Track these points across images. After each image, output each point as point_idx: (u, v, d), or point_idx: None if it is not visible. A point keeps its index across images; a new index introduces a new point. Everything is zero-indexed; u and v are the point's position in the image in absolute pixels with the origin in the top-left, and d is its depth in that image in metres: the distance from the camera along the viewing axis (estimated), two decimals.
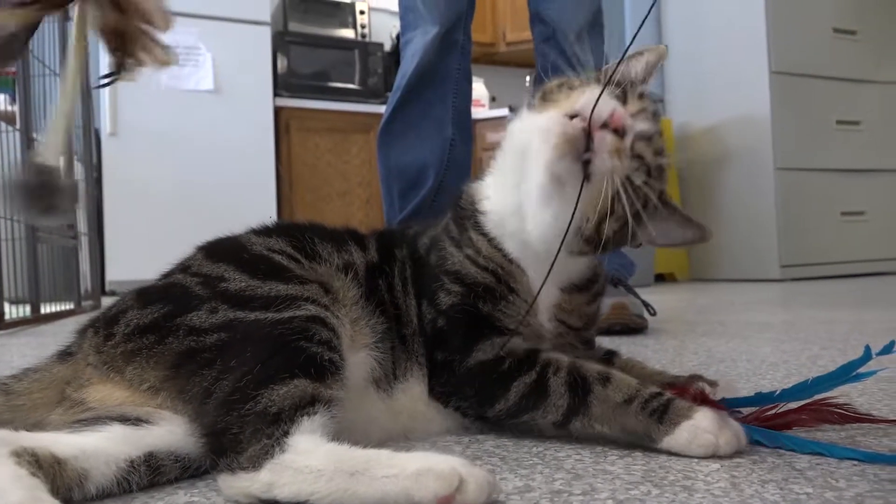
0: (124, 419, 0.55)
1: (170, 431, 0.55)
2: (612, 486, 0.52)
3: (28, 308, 2.12)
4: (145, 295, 0.64)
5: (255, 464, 0.49)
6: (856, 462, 0.56)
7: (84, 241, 2.70)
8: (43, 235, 2.25)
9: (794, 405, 0.66)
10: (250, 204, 3.81)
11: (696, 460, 0.58)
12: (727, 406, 0.67)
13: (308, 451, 0.49)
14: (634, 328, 1.48)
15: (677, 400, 0.59)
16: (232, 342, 0.56)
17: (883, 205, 3.67)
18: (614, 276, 1.57)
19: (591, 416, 0.60)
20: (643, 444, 0.60)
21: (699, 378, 0.72)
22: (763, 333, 1.44)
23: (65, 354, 0.64)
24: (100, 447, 0.52)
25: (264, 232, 0.70)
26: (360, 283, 0.68)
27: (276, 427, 0.50)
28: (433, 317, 0.68)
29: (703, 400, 0.65)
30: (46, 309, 2.20)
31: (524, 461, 0.59)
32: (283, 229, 0.71)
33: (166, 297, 0.62)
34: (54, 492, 0.47)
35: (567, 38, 1.58)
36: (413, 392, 0.67)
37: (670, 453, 0.58)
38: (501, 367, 0.64)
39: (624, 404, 0.59)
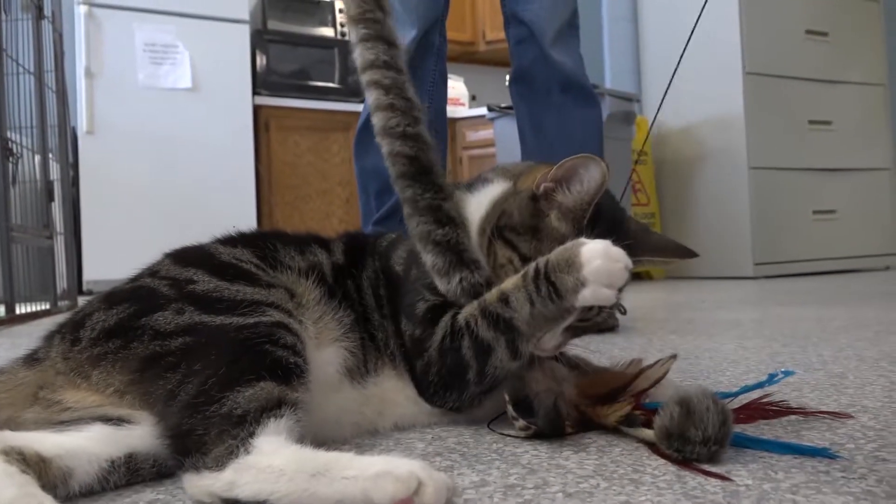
0: (106, 419, 0.56)
1: (150, 433, 0.56)
2: (563, 479, 0.55)
3: (3, 309, 2.11)
4: (111, 297, 0.65)
5: (220, 464, 0.50)
6: (795, 454, 0.59)
7: (60, 241, 2.69)
8: (18, 235, 2.24)
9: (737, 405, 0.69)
10: (229, 203, 3.81)
11: (646, 454, 0.60)
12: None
13: (271, 452, 0.50)
14: (605, 328, 1.51)
15: (552, 262, 0.63)
16: (196, 346, 0.57)
17: (853, 204, 3.75)
18: None
19: (524, 337, 0.64)
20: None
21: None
22: (730, 331, 1.48)
23: (32, 359, 0.64)
24: (83, 447, 0.53)
25: (230, 241, 0.72)
26: (326, 281, 0.70)
27: (242, 428, 0.51)
28: (411, 330, 0.70)
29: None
30: (22, 309, 2.19)
31: (483, 457, 0.62)
32: (247, 239, 0.73)
33: (132, 298, 0.64)
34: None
35: (545, 39, 1.59)
36: (385, 385, 0.70)
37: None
38: (436, 335, 0.68)
39: (528, 304, 0.63)
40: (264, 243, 0.71)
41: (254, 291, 0.63)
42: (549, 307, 0.62)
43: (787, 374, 0.58)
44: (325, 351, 0.66)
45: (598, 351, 1.20)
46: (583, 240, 0.63)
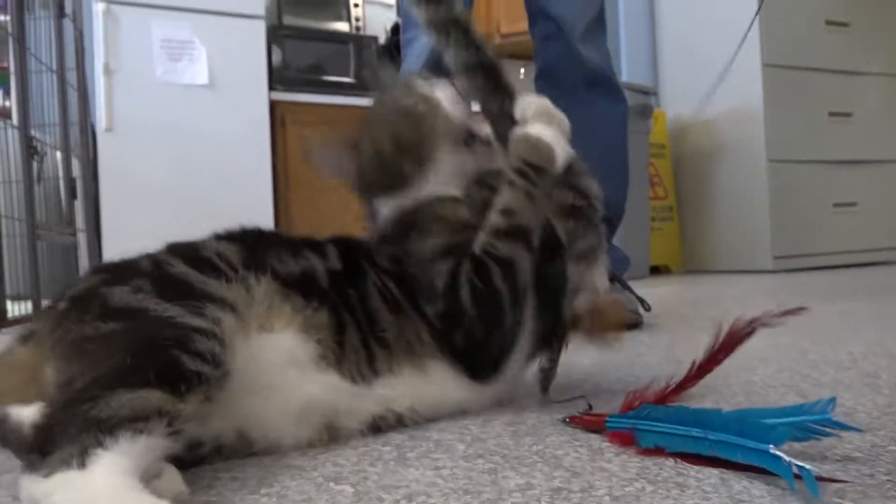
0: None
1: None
2: (608, 483, 0.55)
3: (29, 305, 2.13)
4: (99, 267, 0.68)
5: (50, 470, 0.47)
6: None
7: (82, 237, 2.72)
8: (43, 233, 2.26)
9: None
10: (247, 198, 3.83)
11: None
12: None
13: (100, 475, 0.47)
14: (630, 324, 1.51)
15: (519, 139, 0.76)
16: (122, 334, 0.56)
17: (874, 195, 3.71)
18: (609, 272, 1.60)
19: (532, 230, 0.74)
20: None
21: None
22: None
23: (25, 336, 0.65)
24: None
25: (222, 237, 0.73)
26: (318, 285, 0.71)
27: (94, 436, 0.48)
28: (437, 308, 0.73)
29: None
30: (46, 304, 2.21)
31: (525, 459, 0.62)
32: (240, 237, 0.74)
33: (112, 270, 0.66)
34: None
35: (574, 34, 1.57)
36: (403, 382, 0.71)
37: None
38: (479, 280, 0.72)
39: (526, 198, 0.73)
40: (254, 243, 0.72)
41: (218, 286, 0.63)
42: (543, 185, 0.73)
43: (832, 402, 0.58)
44: (286, 334, 0.66)
45: (622, 349, 1.21)
46: (524, 129, 0.75)
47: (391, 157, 0.79)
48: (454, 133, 0.80)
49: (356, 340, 0.70)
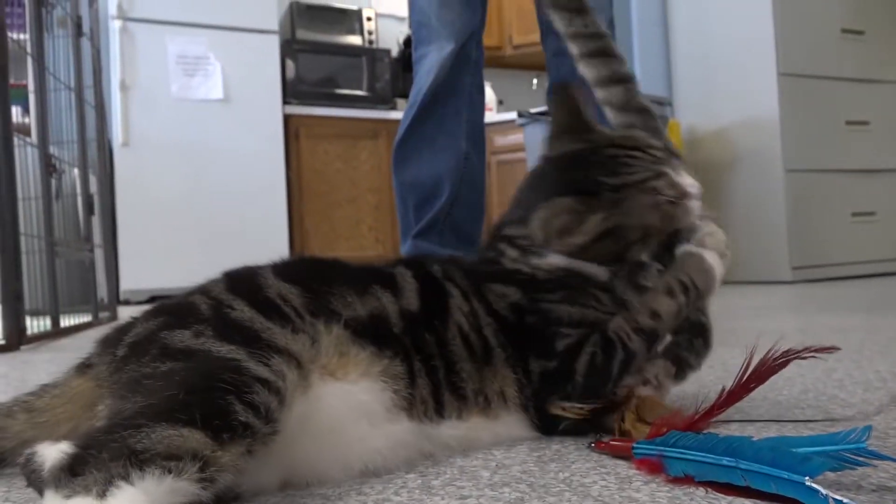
0: None
1: None
2: None
3: (48, 321, 2.15)
4: (158, 309, 0.66)
5: (73, 492, 0.46)
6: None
7: (99, 253, 2.74)
8: (61, 249, 2.28)
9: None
10: (261, 211, 3.85)
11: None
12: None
13: None
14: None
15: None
16: (181, 371, 0.55)
17: (893, 204, 3.67)
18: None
19: (660, 339, 0.76)
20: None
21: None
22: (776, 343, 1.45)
23: (83, 366, 0.65)
24: None
25: (284, 273, 0.69)
26: (389, 330, 0.68)
27: (123, 467, 0.47)
28: (544, 366, 0.73)
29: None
30: (65, 322, 2.23)
31: (552, 487, 0.61)
32: (302, 274, 0.70)
33: (171, 312, 0.64)
34: None
35: None
36: (468, 428, 0.71)
37: None
38: (601, 358, 0.73)
39: (677, 308, 0.76)
40: (319, 284, 0.69)
41: (283, 335, 0.61)
42: (693, 306, 0.76)
43: (867, 431, 0.56)
44: (361, 384, 0.65)
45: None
46: (690, 247, 0.78)
47: (629, 240, 0.78)
48: (688, 230, 0.82)
49: (427, 390, 0.68)
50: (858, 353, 1.26)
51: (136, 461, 0.47)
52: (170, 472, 0.47)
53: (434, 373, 0.69)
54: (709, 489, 0.58)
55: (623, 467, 0.66)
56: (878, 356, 1.22)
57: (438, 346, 0.70)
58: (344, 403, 0.63)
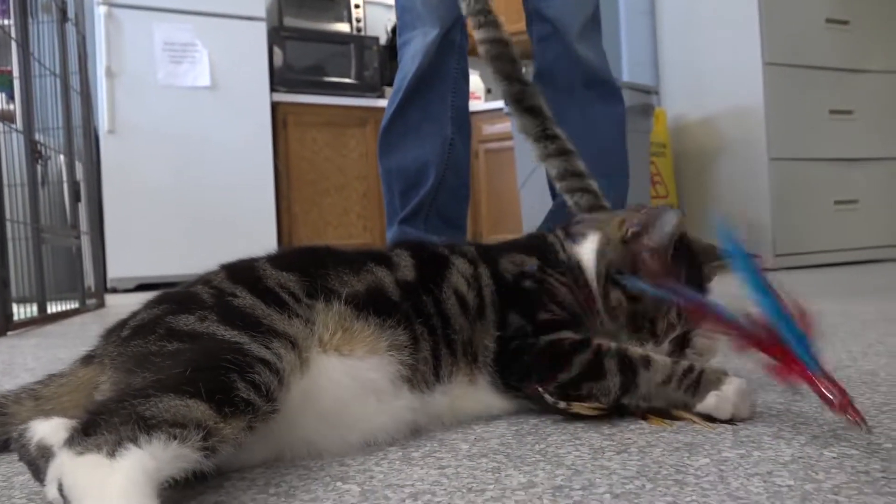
0: None
1: None
2: (609, 480, 0.56)
3: (34, 307, 2.15)
4: (161, 298, 0.69)
5: (85, 449, 0.49)
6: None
7: (86, 240, 2.73)
8: (47, 236, 2.28)
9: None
10: (249, 199, 3.85)
11: (687, 455, 0.62)
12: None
13: (124, 469, 0.47)
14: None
15: (707, 374, 0.72)
16: (188, 350, 0.58)
17: (875, 193, 3.71)
18: None
19: (638, 394, 0.72)
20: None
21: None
22: None
23: (88, 357, 0.67)
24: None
25: (281, 263, 0.73)
26: (389, 299, 0.72)
27: (132, 430, 0.49)
28: (521, 324, 0.77)
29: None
30: (52, 308, 2.23)
31: (527, 458, 0.63)
32: (297, 261, 0.74)
33: (175, 301, 0.67)
34: None
35: (569, 35, 1.59)
36: (454, 393, 0.74)
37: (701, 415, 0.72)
38: (564, 344, 0.74)
39: (663, 384, 0.72)
40: (315, 267, 0.72)
41: (280, 319, 0.64)
42: (677, 392, 0.72)
43: None
44: (369, 361, 0.68)
45: None
46: (735, 381, 0.72)
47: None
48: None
49: (427, 351, 0.72)
50: (832, 335, 1.29)
51: (144, 426, 0.50)
52: (175, 438, 0.50)
53: (433, 331, 0.73)
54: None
55: (597, 439, 0.68)
56: (852, 338, 1.25)
57: (434, 303, 0.75)
58: (351, 380, 0.66)
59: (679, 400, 0.72)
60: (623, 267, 0.82)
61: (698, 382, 0.72)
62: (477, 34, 1.20)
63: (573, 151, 1.12)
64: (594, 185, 1.09)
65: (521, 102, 1.14)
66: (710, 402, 0.71)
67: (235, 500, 0.56)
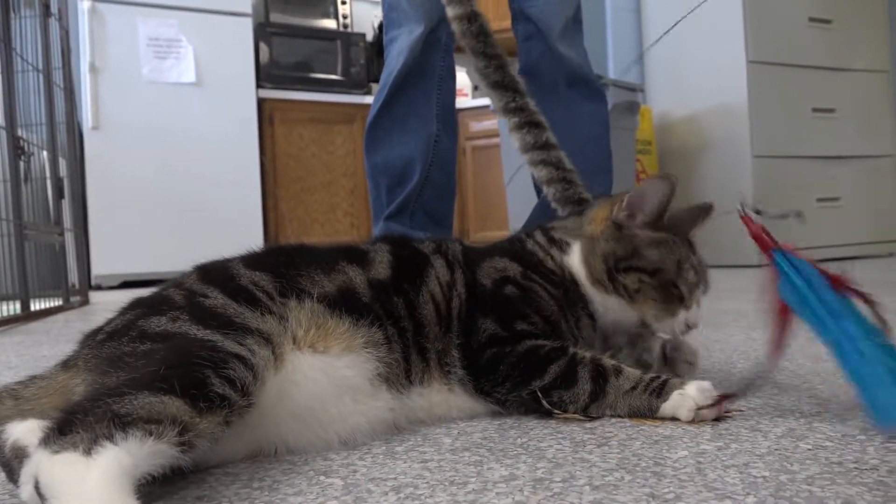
0: None
1: None
2: (589, 473, 0.57)
3: (17, 305, 2.14)
4: (134, 303, 0.70)
5: (61, 448, 0.49)
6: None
7: (70, 237, 2.71)
8: (30, 233, 2.26)
9: None
10: (235, 196, 3.83)
11: (666, 448, 0.63)
12: None
13: (101, 467, 0.47)
14: None
15: (672, 380, 0.73)
16: (161, 349, 0.59)
17: (857, 191, 3.76)
18: None
19: (606, 403, 0.73)
20: (644, 415, 0.73)
21: None
22: (737, 322, 1.50)
23: (68, 363, 0.67)
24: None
25: (253, 263, 0.73)
26: (358, 299, 0.72)
27: (107, 428, 0.49)
28: (497, 329, 0.76)
29: None
30: (36, 306, 2.22)
31: (509, 451, 0.64)
32: (270, 261, 0.74)
33: (147, 304, 0.68)
34: None
35: (551, 34, 1.61)
36: (432, 399, 0.74)
37: (663, 418, 0.72)
38: (541, 352, 0.74)
39: (631, 390, 0.73)
40: (286, 268, 0.72)
41: (253, 317, 0.65)
42: (643, 396, 0.72)
43: None
44: (345, 359, 0.68)
45: None
46: (697, 383, 0.73)
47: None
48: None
49: (399, 353, 0.72)
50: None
51: (119, 423, 0.50)
52: (151, 434, 0.50)
53: (403, 333, 0.73)
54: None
55: (578, 433, 0.69)
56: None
57: (407, 307, 0.74)
58: (327, 378, 0.66)
59: (643, 405, 0.72)
60: (625, 251, 0.83)
61: (663, 386, 0.72)
62: (448, 11, 1.20)
63: (541, 124, 1.11)
64: (561, 157, 1.09)
65: (488, 78, 1.14)
66: (673, 400, 0.71)
67: (219, 494, 0.56)
